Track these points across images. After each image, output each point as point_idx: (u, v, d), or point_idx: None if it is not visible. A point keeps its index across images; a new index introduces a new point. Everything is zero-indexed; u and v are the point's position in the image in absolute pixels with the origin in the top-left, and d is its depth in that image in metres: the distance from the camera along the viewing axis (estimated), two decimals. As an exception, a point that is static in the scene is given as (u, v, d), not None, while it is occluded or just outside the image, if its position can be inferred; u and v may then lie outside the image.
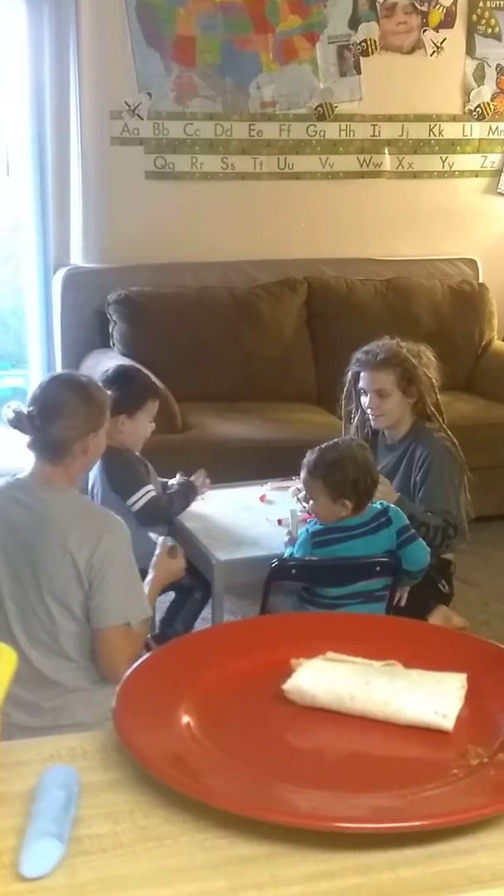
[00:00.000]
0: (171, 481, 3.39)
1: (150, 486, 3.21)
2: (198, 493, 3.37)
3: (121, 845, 0.97)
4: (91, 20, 4.75)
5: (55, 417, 2.37)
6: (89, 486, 3.27)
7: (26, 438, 2.43)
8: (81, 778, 1.04)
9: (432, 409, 3.37)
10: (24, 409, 2.40)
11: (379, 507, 2.89)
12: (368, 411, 3.36)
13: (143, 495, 3.17)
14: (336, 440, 3.02)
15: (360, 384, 3.38)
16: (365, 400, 3.36)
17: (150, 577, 2.68)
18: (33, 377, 5.14)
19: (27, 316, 5.14)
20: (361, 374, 3.37)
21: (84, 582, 2.31)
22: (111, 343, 4.74)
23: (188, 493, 3.34)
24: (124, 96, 4.89)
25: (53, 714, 2.33)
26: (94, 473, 3.25)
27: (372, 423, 3.40)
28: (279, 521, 3.25)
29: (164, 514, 3.26)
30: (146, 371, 3.35)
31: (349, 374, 3.43)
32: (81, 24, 4.73)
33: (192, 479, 3.37)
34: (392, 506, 2.92)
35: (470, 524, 3.37)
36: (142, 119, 4.92)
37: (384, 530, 2.85)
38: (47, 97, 4.73)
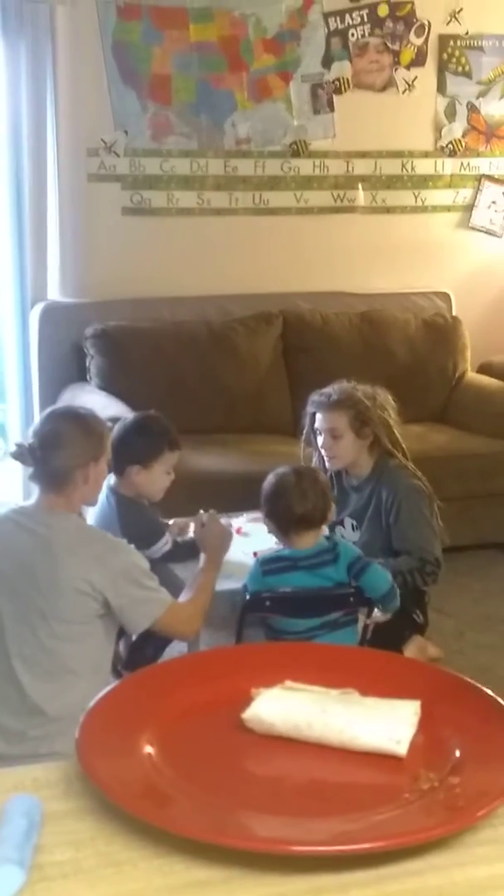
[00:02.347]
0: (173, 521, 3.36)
1: (168, 538, 3.17)
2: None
3: (82, 871, 0.99)
4: (68, 58, 4.82)
5: (55, 448, 2.49)
6: None
7: (24, 472, 2.54)
8: (45, 806, 1.07)
9: (391, 448, 3.41)
10: (26, 443, 2.53)
11: (327, 543, 2.91)
12: (323, 452, 3.41)
13: (164, 545, 3.13)
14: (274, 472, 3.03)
15: (316, 424, 3.43)
16: (320, 440, 3.42)
17: (202, 562, 2.86)
18: (11, 411, 5.17)
19: (4, 350, 5.17)
20: (317, 415, 3.43)
21: (99, 602, 2.43)
22: (88, 377, 4.78)
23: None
24: (101, 133, 4.95)
25: (34, 743, 2.35)
26: (103, 521, 3.16)
27: (327, 464, 3.45)
28: (255, 554, 3.28)
29: (183, 558, 3.18)
30: (166, 421, 3.23)
31: (307, 416, 3.49)
32: (58, 62, 4.79)
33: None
34: (342, 542, 2.95)
35: (444, 553, 3.41)
36: (118, 156, 4.99)
37: (330, 566, 2.85)
38: (24, 134, 4.78)
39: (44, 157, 4.82)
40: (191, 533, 3.16)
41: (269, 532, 3.01)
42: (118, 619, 2.50)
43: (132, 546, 2.53)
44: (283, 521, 2.89)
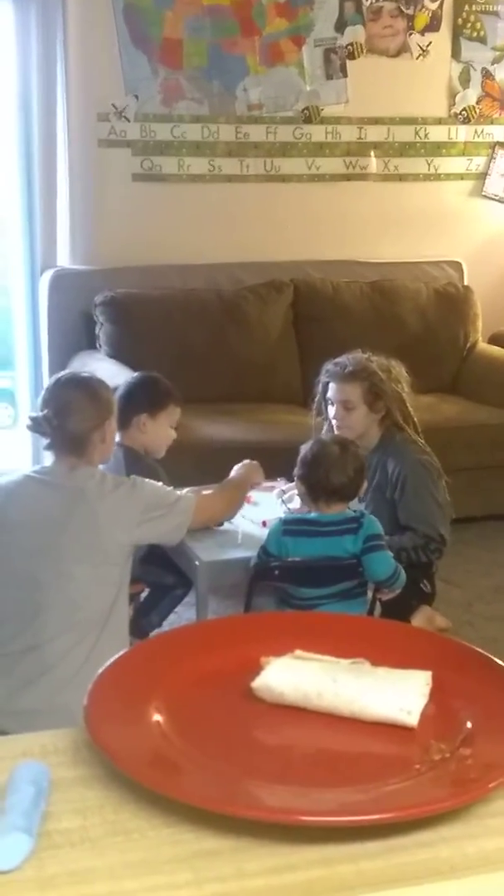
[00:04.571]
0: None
1: None
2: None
3: (89, 839, 0.99)
4: (78, 22, 4.77)
5: (69, 415, 2.59)
6: None
7: (34, 438, 2.62)
8: (52, 774, 1.06)
9: (402, 423, 3.39)
10: (39, 414, 2.63)
11: (353, 513, 2.92)
12: (333, 422, 3.39)
13: None
14: (317, 438, 3.10)
15: (328, 394, 3.41)
16: (332, 410, 3.39)
17: (232, 476, 3.07)
18: (20, 378, 5.16)
19: (14, 318, 5.15)
20: (329, 385, 3.41)
21: (132, 541, 2.57)
22: (98, 345, 4.76)
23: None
24: (111, 98, 4.91)
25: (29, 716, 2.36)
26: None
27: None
28: (263, 523, 3.27)
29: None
30: (168, 382, 3.41)
31: (319, 385, 3.47)
32: (69, 25, 4.74)
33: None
34: (369, 515, 2.94)
35: (452, 524, 3.40)
36: (129, 121, 4.95)
37: (350, 535, 2.87)
38: (34, 99, 4.75)
39: (53, 123, 4.79)
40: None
41: (299, 494, 3.04)
42: (158, 538, 2.67)
43: (144, 479, 2.66)
44: (317, 489, 2.91)
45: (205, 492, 2.96)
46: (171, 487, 2.77)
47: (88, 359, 4.64)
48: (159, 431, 3.27)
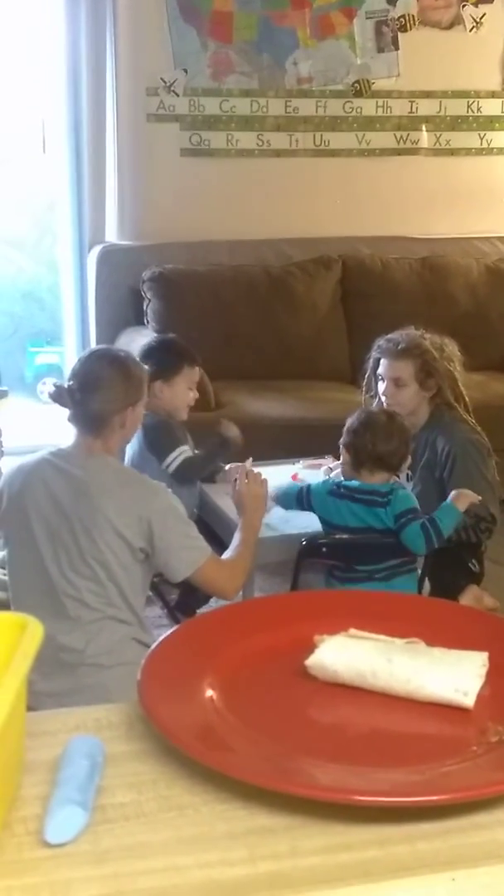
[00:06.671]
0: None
1: (185, 447, 3.28)
2: (230, 446, 3.39)
3: (143, 814, 0.99)
4: (128, -4, 4.75)
5: (94, 392, 2.46)
6: (126, 459, 3.34)
7: (66, 413, 2.53)
8: (106, 748, 1.06)
9: (453, 402, 3.36)
10: (65, 384, 2.50)
11: (385, 488, 2.90)
12: (383, 399, 3.37)
13: (178, 455, 3.24)
14: (364, 409, 3.13)
15: (379, 370, 3.38)
16: (382, 387, 3.37)
17: (240, 524, 2.78)
18: (68, 354, 5.18)
19: (62, 293, 5.17)
20: (381, 361, 3.38)
21: (135, 548, 2.41)
22: (145, 321, 4.76)
23: (221, 449, 3.36)
24: (160, 73, 4.89)
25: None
26: (130, 446, 3.32)
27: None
28: (294, 476, 3.29)
29: (199, 473, 3.33)
30: (184, 342, 3.44)
31: (370, 360, 3.45)
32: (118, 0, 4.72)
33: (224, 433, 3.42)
34: (403, 492, 2.93)
35: (501, 504, 3.37)
36: (178, 96, 4.92)
37: (380, 509, 2.87)
38: (83, 74, 4.75)
39: (103, 97, 4.78)
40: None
41: (342, 464, 3.03)
42: (158, 565, 2.48)
43: (169, 490, 2.52)
44: (363, 454, 2.91)
45: (225, 554, 2.69)
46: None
47: (136, 334, 4.65)
48: (177, 395, 3.29)
